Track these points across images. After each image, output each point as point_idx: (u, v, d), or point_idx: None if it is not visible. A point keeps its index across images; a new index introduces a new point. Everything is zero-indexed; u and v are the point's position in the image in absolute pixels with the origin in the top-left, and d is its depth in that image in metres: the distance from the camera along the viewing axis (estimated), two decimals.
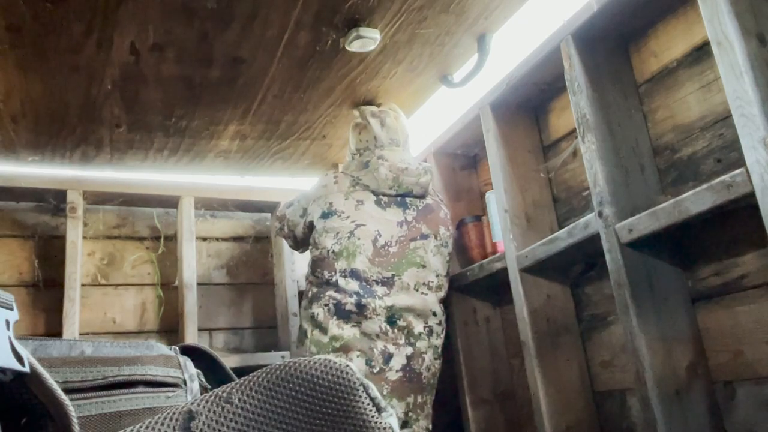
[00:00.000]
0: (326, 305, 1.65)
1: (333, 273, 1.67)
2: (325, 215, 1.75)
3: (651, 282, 1.28)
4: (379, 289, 1.67)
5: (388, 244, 1.72)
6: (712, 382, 1.25)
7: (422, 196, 1.82)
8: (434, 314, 1.72)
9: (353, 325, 1.63)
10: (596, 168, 1.33)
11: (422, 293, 1.71)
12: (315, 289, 1.71)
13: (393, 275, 1.69)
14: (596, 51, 1.42)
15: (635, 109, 1.42)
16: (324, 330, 1.63)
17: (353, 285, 1.65)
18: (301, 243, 1.90)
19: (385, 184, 1.75)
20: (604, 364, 1.55)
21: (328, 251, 1.70)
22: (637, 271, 1.27)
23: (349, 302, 1.64)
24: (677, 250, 1.33)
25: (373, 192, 1.77)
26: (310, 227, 1.80)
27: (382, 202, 1.76)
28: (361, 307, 1.63)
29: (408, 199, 1.80)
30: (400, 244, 1.73)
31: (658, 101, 1.39)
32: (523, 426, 1.83)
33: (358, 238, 1.70)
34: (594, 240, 1.35)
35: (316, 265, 1.73)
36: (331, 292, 1.66)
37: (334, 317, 1.63)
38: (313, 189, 1.85)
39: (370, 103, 1.94)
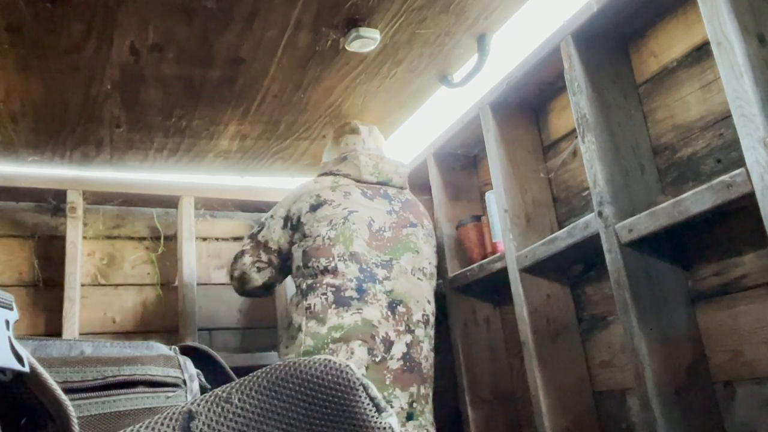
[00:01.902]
0: (324, 294, 1.60)
1: (331, 259, 1.64)
2: (314, 207, 1.72)
3: (651, 282, 1.28)
4: (380, 272, 1.65)
5: (382, 229, 1.72)
6: (712, 382, 1.25)
7: (401, 188, 1.87)
8: (429, 302, 1.72)
9: (354, 313, 1.57)
10: (596, 168, 1.33)
11: (418, 278, 1.71)
12: (309, 281, 1.65)
13: (391, 259, 1.68)
14: (596, 51, 1.42)
15: (635, 109, 1.42)
16: (322, 321, 1.57)
17: (353, 269, 1.62)
18: (282, 263, 1.79)
19: (366, 170, 1.79)
20: (603, 364, 1.55)
21: (323, 238, 1.66)
22: (637, 271, 1.27)
23: (350, 287, 1.60)
24: (677, 250, 1.33)
25: (356, 181, 1.78)
26: (296, 227, 1.74)
27: (368, 194, 1.77)
28: (362, 292, 1.60)
29: (390, 192, 1.82)
30: (394, 230, 1.73)
31: (658, 101, 1.39)
32: (523, 426, 1.83)
33: (353, 223, 1.68)
34: (594, 240, 1.35)
35: (309, 256, 1.67)
36: (329, 279, 1.61)
37: (333, 306, 1.58)
38: (289, 195, 1.82)
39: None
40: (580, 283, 1.63)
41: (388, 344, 1.58)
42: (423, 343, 1.65)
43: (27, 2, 1.31)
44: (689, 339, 1.27)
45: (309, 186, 1.79)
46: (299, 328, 1.61)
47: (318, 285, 1.63)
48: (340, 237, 1.66)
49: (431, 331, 1.70)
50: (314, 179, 1.82)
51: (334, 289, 1.60)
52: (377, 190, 1.80)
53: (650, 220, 1.20)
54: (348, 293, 1.60)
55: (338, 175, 1.79)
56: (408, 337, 1.62)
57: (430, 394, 1.64)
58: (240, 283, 1.83)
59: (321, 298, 1.60)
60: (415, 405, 1.56)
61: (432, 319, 1.71)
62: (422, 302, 1.69)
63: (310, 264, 1.67)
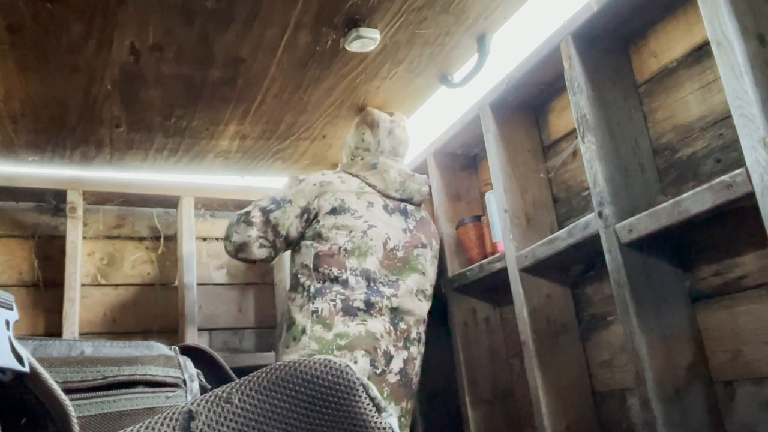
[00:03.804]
0: (332, 301, 1.61)
1: (343, 270, 1.65)
2: (336, 211, 1.71)
3: (651, 282, 1.28)
4: (387, 291, 1.67)
5: (396, 248, 1.74)
6: (712, 382, 1.25)
7: (418, 206, 1.89)
8: (423, 322, 1.75)
9: (359, 323, 1.60)
10: (596, 168, 1.33)
11: (419, 300, 1.74)
12: (318, 285, 1.65)
13: (397, 279, 1.71)
14: (596, 51, 1.42)
15: (635, 109, 1.42)
16: (328, 326, 1.58)
17: (363, 285, 1.65)
18: (285, 247, 1.77)
19: (392, 186, 1.80)
20: (603, 364, 1.55)
21: (340, 248, 1.67)
22: (637, 271, 1.27)
23: (358, 299, 1.62)
24: (677, 250, 1.33)
25: (380, 193, 1.79)
26: (310, 222, 1.72)
27: (389, 208, 1.78)
28: (369, 305, 1.62)
29: (409, 209, 1.83)
30: (406, 250, 1.75)
31: (658, 101, 1.39)
32: (523, 426, 1.83)
33: (371, 239, 1.70)
34: (594, 240, 1.35)
35: (322, 260, 1.66)
36: (338, 288, 1.63)
37: (340, 313, 1.60)
38: (309, 185, 1.76)
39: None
40: (580, 283, 1.63)
41: (389, 358, 1.61)
42: (416, 360, 1.68)
43: (27, 2, 1.31)
44: (689, 339, 1.27)
45: (335, 184, 1.75)
46: (303, 331, 1.60)
47: (327, 291, 1.63)
48: (356, 251, 1.67)
49: (422, 348, 1.73)
50: (339, 176, 1.79)
51: (343, 297, 1.62)
52: (397, 204, 1.82)
53: (650, 220, 1.20)
54: (356, 304, 1.62)
55: (365, 181, 1.79)
56: (405, 353, 1.65)
57: (412, 408, 1.68)
58: (236, 250, 1.74)
59: (329, 303, 1.61)
60: (402, 419, 1.61)
61: (423, 338, 1.74)
62: (419, 322, 1.72)
63: (320, 269, 1.66)
